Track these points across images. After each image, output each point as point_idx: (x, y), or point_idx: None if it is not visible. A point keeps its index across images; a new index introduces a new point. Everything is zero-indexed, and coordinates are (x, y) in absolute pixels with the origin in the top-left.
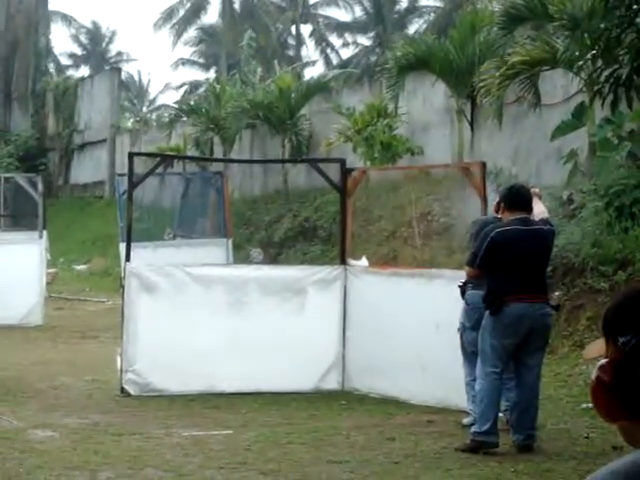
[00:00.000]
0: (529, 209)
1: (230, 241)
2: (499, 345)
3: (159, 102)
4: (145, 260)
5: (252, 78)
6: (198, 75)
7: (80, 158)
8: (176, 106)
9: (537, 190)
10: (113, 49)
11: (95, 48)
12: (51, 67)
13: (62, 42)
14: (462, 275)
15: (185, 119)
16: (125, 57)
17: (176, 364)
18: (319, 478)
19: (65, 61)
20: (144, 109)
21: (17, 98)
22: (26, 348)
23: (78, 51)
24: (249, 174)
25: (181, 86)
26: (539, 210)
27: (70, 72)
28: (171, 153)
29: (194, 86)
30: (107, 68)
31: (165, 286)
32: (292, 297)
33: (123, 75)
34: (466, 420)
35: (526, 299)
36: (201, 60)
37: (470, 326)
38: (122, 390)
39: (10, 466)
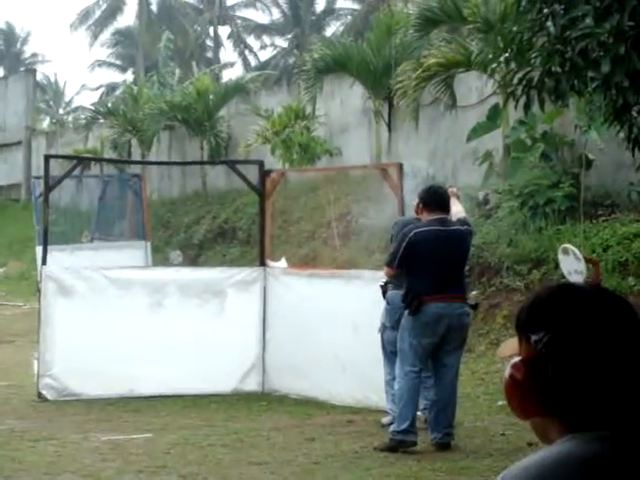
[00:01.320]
0: (447, 209)
1: (149, 243)
2: (418, 344)
3: (75, 104)
4: (63, 263)
5: (170, 80)
6: (115, 77)
7: None
8: (93, 108)
9: (455, 190)
10: (28, 50)
11: (9, 49)
12: None
13: None
14: (381, 276)
15: (102, 121)
16: (40, 58)
17: (94, 368)
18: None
19: None
20: (60, 111)
21: None
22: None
23: None
24: (167, 176)
25: (98, 88)
26: (457, 210)
27: None
28: (88, 155)
29: (111, 88)
30: (22, 69)
31: (82, 289)
32: (211, 299)
33: (39, 76)
34: (385, 419)
35: (444, 299)
36: (118, 62)
37: (390, 326)
38: (39, 395)
39: None
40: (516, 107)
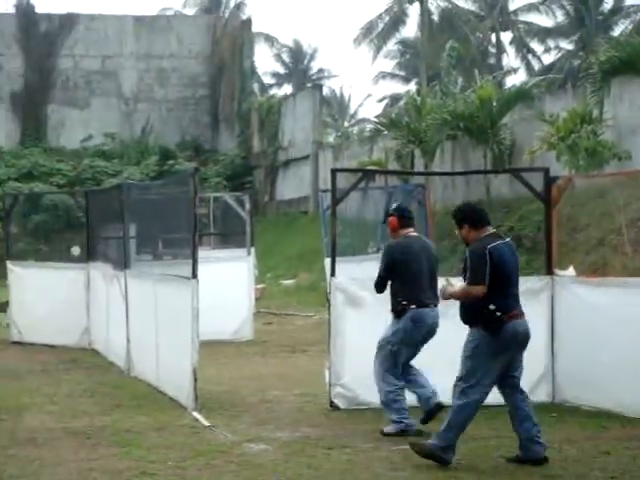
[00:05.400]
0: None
1: None
2: (497, 364)
3: (360, 116)
4: (350, 274)
5: (453, 89)
6: (398, 88)
7: (284, 175)
8: (376, 120)
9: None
10: (315, 66)
11: (297, 66)
12: (255, 87)
13: (265, 62)
14: None
15: (386, 133)
16: (326, 74)
17: None
18: None
19: (268, 80)
20: (345, 124)
21: (224, 119)
22: (238, 363)
23: (281, 70)
24: (451, 185)
25: (382, 100)
26: None
27: (273, 91)
28: (373, 167)
29: (395, 99)
30: (309, 85)
31: (370, 300)
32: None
33: (325, 91)
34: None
35: (520, 315)
36: (401, 73)
37: (406, 344)
38: (331, 404)
39: (227, 478)
40: None
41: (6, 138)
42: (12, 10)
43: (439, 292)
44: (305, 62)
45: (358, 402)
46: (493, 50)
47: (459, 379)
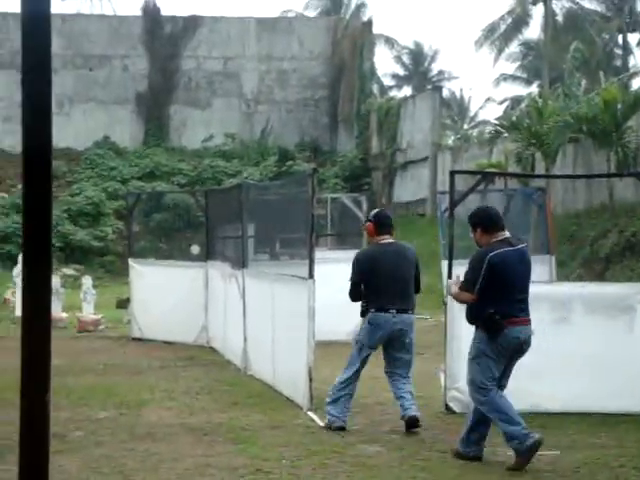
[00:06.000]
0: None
1: (554, 258)
2: (495, 364)
3: (480, 118)
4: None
5: (576, 91)
6: (520, 90)
7: (402, 177)
8: (497, 122)
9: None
10: (435, 68)
11: (417, 68)
12: (375, 89)
13: (385, 64)
14: None
15: (506, 135)
16: (447, 75)
17: None
18: None
19: (388, 82)
20: (465, 126)
21: (342, 120)
22: None
23: (401, 72)
24: (572, 189)
25: (502, 102)
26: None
27: (393, 93)
28: (492, 170)
29: (516, 101)
30: (429, 87)
31: None
32: (619, 315)
33: (445, 93)
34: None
35: (523, 322)
36: (523, 75)
37: (368, 346)
38: (446, 407)
39: (341, 479)
40: None
41: (130, 138)
42: (138, 12)
43: (445, 287)
44: (425, 64)
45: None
46: (619, 52)
47: (470, 382)
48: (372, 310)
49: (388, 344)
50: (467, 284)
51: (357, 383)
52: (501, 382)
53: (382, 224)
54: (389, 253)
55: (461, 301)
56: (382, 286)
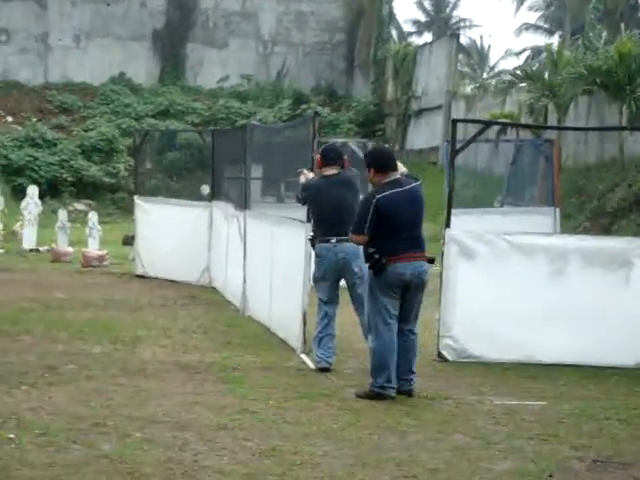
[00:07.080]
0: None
1: (558, 210)
2: (388, 301)
3: (500, 68)
4: (469, 227)
5: (596, 43)
6: (541, 40)
7: (416, 124)
8: (511, 72)
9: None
10: (456, 15)
11: (439, 14)
12: (394, 34)
13: (407, 9)
14: None
15: (521, 85)
16: (468, 23)
17: (493, 332)
18: (636, 458)
19: (409, 28)
20: (484, 75)
21: (359, 65)
22: (349, 309)
23: (422, 18)
24: (584, 141)
25: (522, 52)
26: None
27: (413, 39)
28: (499, 120)
29: (537, 51)
30: (447, 34)
31: (484, 253)
32: (617, 269)
33: (465, 41)
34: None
35: (408, 259)
36: (545, 25)
37: (321, 276)
38: (439, 355)
39: (326, 422)
40: None
41: (146, 75)
42: None
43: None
44: (447, 11)
45: (466, 355)
46: None
47: (367, 318)
48: (317, 242)
49: (342, 275)
50: (357, 226)
51: (335, 322)
52: (404, 317)
53: (326, 157)
54: (332, 183)
55: (356, 243)
56: (324, 216)
